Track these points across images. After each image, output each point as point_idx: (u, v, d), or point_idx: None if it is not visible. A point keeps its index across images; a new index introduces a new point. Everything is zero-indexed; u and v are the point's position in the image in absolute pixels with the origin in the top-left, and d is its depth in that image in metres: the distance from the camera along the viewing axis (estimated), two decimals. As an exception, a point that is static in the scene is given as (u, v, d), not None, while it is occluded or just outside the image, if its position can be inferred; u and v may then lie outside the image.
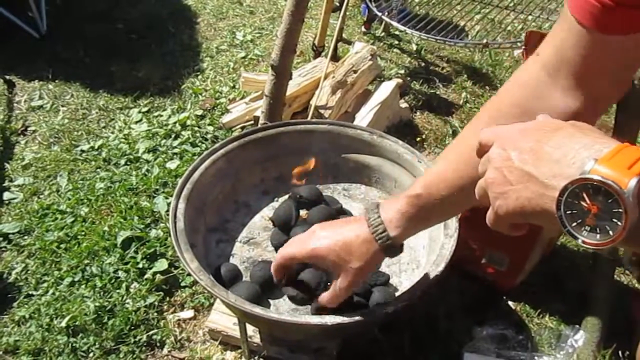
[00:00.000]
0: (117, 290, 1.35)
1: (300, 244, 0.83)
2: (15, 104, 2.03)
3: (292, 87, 1.76)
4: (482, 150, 0.55)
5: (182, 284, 1.39)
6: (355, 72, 1.84)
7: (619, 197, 0.42)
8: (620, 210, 0.42)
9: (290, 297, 0.95)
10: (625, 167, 0.42)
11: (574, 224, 0.45)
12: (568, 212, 0.45)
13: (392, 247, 0.77)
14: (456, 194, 0.72)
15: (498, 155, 0.52)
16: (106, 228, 1.50)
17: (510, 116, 0.68)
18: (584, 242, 0.45)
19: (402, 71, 2.25)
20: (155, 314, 1.32)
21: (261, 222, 1.13)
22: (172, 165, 1.74)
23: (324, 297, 0.83)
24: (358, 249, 0.76)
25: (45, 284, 1.38)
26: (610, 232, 0.43)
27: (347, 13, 2.33)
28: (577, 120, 0.58)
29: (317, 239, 0.80)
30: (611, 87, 0.68)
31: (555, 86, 0.67)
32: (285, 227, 1.04)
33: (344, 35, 2.29)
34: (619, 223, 0.42)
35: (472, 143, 0.60)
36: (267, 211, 1.15)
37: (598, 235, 0.44)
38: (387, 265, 1.04)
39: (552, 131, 0.50)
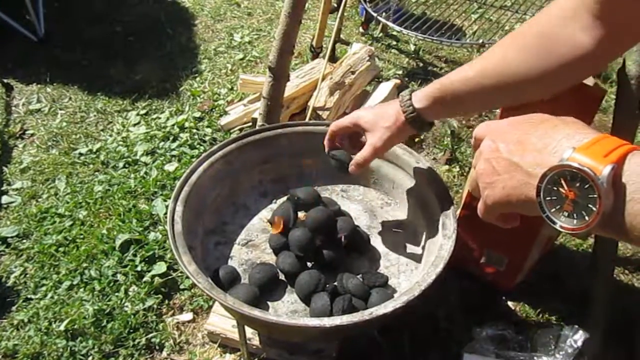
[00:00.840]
0: (116, 294, 1.35)
1: (347, 116, 0.98)
2: (13, 108, 2.03)
3: (290, 89, 1.76)
4: (477, 144, 0.58)
5: (181, 286, 1.39)
6: (353, 73, 1.84)
7: (594, 183, 0.44)
8: (595, 195, 0.44)
9: (333, 158, 1.01)
10: (601, 155, 0.45)
11: (553, 209, 0.48)
12: (548, 198, 0.48)
13: (416, 119, 0.89)
14: (473, 90, 0.82)
15: (488, 147, 0.55)
16: (105, 231, 1.50)
17: (531, 36, 0.76)
18: (561, 227, 0.48)
19: (400, 72, 2.25)
20: (154, 317, 1.31)
21: (259, 224, 1.13)
22: (170, 167, 1.74)
23: (359, 155, 0.94)
24: (389, 114, 0.91)
25: (44, 288, 1.38)
26: (586, 217, 0.46)
27: (345, 14, 2.33)
28: (589, 60, 0.72)
29: (359, 110, 0.97)
30: (619, 41, 0.72)
31: (576, 21, 0.71)
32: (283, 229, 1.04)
33: (341, 36, 2.29)
34: (594, 208, 0.45)
35: (494, 52, 0.79)
36: (266, 213, 1.15)
37: (575, 221, 0.47)
38: (386, 267, 1.04)
39: (539, 123, 0.52)
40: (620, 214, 0.44)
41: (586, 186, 0.45)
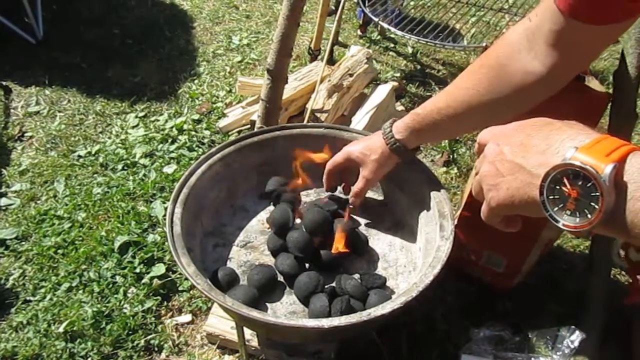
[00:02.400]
0: (115, 295, 1.35)
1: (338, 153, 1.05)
2: (12, 110, 2.03)
3: (288, 91, 1.76)
4: (480, 149, 0.60)
5: (180, 288, 1.39)
6: (351, 75, 1.84)
7: (596, 181, 0.45)
8: (597, 193, 0.45)
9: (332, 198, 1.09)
10: (603, 154, 0.46)
11: (556, 208, 0.49)
12: (550, 197, 0.49)
13: (399, 148, 0.97)
14: (445, 119, 0.90)
15: (492, 151, 0.56)
16: (103, 233, 1.51)
17: (489, 67, 0.84)
18: (564, 225, 0.48)
19: (398, 74, 2.26)
20: (153, 318, 1.32)
21: (258, 225, 1.13)
22: (169, 169, 1.74)
23: (355, 188, 1.03)
24: (376, 148, 0.99)
25: (42, 290, 1.38)
26: (589, 215, 0.46)
27: (343, 17, 2.34)
28: (542, 86, 0.80)
29: (349, 146, 1.04)
30: (571, 66, 0.80)
31: (530, 50, 0.78)
32: (281, 231, 1.04)
33: (339, 38, 2.30)
34: (596, 206, 0.45)
35: (461, 83, 0.87)
36: (264, 215, 1.15)
37: (577, 219, 0.48)
38: (384, 268, 1.05)
39: (542, 126, 0.53)
40: (622, 212, 0.45)
41: (588, 184, 0.46)
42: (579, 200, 0.47)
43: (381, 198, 1.18)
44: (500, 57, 0.83)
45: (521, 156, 0.52)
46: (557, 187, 0.48)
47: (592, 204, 0.46)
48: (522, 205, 0.53)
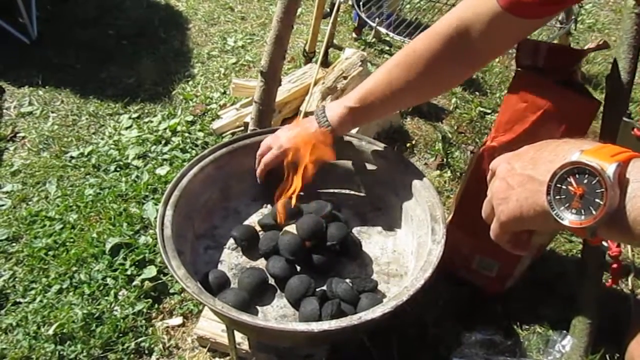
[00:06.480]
0: (106, 298, 1.35)
1: (272, 146, 1.07)
2: (4, 110, 2.02)
3: (282, 93, 1.76)
4: (492, 174, 0.62)
5: (171, 291, 1.38)
6: (345, 78, 1.84)
7: (601, 177, 0.47)
8: (602, 189, 0.47)
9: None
10: (608, 155, 0.48)
11: (562, 207, 0.51)
12: (557, 197, 0.51)
13: (332, 133, 1.03)
14: (379, 108, 1.00)
15: (504, 169, 0.58)
16: (95, 235, 1.50)
17: (427, 60, 0.91)
18: (570, 222, 0.50)
19: (393, 77, 2.25)
20: (144, 321, 1.31)
21: (250, 228, 1.13)
22: (162, 171, 1.73)
23: (299, 174, 1.03)
24: (313, 134, 1.03)
25: (33, 291, 1.37)
26: (593, 212, 0.48)
27: (338, 19, 2.34)
28: (465, 71, 0.97)
29: (279, 136, 1.07)
30: (498, 52, 0.95)
31: (466, 42, 0.87)
32: (273, 234, 1.04)
33: (334, 41, 2.30)
34: (601, 202, 0.47)
35: (397, 74, 0.94)
36: (257, 218, 1.15)
37: (583, 216, 0.49)
38: (376, 272, 1.05)
39: (551, 142, 0.56)
40: (624, 211, 0.47)
41: (594, 181, 0.48)
42: (585, 197, 0.49)
43: (380, 205, 1.17)
44: (436, 51, 0.90)
45: (531, 168, 0.54)
46: (564, 186, 0.50)
47: (597, 200, 0.48)
48: (531, 216, 0.54)
